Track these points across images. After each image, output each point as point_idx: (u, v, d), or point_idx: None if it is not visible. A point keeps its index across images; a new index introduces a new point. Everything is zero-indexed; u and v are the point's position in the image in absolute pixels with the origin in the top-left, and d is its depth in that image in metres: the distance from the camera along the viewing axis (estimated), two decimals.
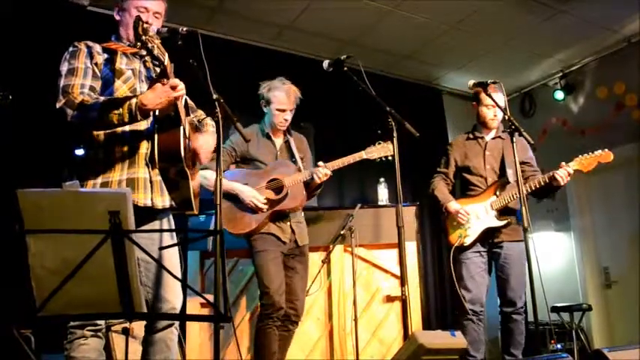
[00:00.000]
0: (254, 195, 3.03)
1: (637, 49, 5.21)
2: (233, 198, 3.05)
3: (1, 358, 2.70)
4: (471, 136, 3.58)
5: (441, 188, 3.56)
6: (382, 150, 3.20)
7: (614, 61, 5.44)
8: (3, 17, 3.70)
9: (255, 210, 3.04)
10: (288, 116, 3.19)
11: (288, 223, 3.14)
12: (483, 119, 3.49)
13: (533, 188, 3.25)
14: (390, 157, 3.16)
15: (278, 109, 3.16)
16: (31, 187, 1.43)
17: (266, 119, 3.26)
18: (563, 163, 3.20)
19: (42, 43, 3.67)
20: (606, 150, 3.21)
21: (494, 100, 3.13)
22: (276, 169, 3.16)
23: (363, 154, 3.21)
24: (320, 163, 3.15)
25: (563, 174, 3.16)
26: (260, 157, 3.17)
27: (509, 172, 3.34)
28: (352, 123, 5.25)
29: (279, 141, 3.28)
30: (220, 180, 1.92)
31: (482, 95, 3.38)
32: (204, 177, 2.86)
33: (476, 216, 3.39)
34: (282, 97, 3.15)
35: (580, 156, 3.24)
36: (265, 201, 3.05)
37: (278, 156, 3.23)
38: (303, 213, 3.32)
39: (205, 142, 2.26)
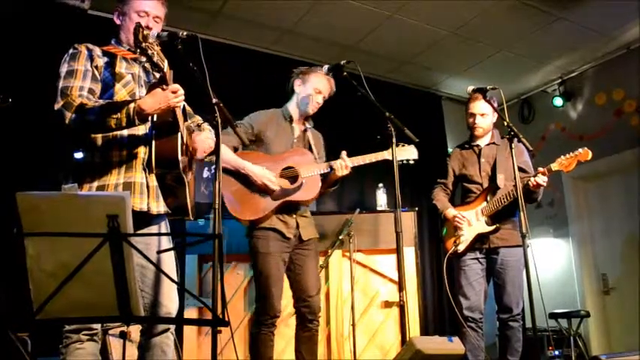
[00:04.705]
0: (263, 174, 2.85)
1: (636, 56, 5.23)
2: (243, 179, 2.87)
3: None
4: (466, 145, 3.63)
5: (439, 197, 3.61)
6: (406, 152, 3.03)
7: (613, 67, 5.46)
8: (3, 20, 3.70)
9: (266, 192, 2.86)
10: (321, 102, 3.06)
11: (294, 217, 2.94)
12: (469, 128, 3.56)
13: (513, 195, 3.24)
14: (411, 161, 3.04)
15: (316, 89, 3.01)
16: (30, 189, 1.43)
17: (292, 103, 3.09)
18: (540, 168, 3.21)
19: (42, 46, 3.67)
20: (585, 148, 3.21)
21: (491, 106, 3.21)
22: (292, 157, 2.97)
23: (385, 154, 2.98)
24: (343, 153, 2.99)
25: (537, 181, 3.18)
26: (275, 142, 2.98)
27: (499, 178, 3.36)
28: (351, 128, 5.24)
29: (297, 128, 3.09)
30: (220, 183, 1.91)
31: (468, 105, 3.50)
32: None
33: (468, 223, 3.41)
34: (323, 79, 3.02)
35: (561, 157, 3.24)
36: (277, 182, 2.88)
37: (294, 144, 3.05)
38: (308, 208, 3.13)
39: (203, 138, 2.26)
